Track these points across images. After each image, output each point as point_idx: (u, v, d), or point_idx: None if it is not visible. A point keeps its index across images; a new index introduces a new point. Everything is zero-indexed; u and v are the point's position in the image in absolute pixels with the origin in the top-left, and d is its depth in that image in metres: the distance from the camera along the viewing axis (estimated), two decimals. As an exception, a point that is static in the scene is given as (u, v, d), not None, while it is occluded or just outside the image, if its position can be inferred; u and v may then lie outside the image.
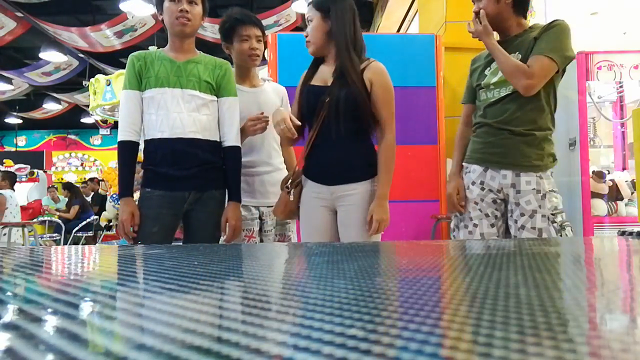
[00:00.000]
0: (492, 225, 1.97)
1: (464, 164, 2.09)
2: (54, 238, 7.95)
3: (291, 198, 1.92)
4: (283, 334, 0.33)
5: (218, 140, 2.03)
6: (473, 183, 2.01)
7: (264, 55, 2.27)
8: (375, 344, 0.29)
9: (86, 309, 0.47)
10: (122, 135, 1.97)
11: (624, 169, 4.57)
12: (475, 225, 1.99)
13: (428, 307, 0.42)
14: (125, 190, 1.99)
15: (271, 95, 2.27)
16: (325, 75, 1.89)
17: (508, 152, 1.92)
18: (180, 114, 1.93)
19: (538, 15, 3.63)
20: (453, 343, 0.31)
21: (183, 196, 1.97)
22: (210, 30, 7.47)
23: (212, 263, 0.81)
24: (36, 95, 12.95)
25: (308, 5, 1.91)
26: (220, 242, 2.05)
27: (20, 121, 15.10)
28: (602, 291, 0.54)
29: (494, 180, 1.96)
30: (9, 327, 0.38)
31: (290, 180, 1.96)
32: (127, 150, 1.98)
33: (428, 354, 0.28)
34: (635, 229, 1.12)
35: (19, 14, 7.91)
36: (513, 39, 1.97)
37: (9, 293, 0.56)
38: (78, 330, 0.38)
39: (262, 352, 0.29)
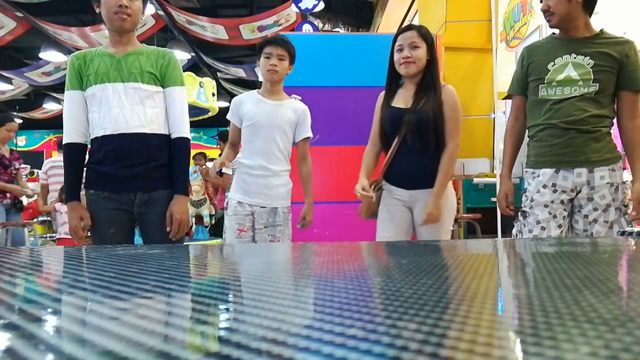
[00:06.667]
0: (560, 227, 1.95)
1: (528, 169, 2.05)
2: (54, 238, 7.93)
3: (373, 199, 2.15)
4: (283, 333, 0.33)
5: (168, 133, 1.96)
6: (544, 186, 1.97)
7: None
8: (376, 344, 0.29)
9: (94, 309, 0.47)
10: (67, 137, 1.92)
11: (624, 169, 4.56)
12: (543, 229, 1.95)
13: (428, 307, 0.42)
14: (71, 194, 1.92)
15: (287, 111, 2.39)
16: (406, 98, 2.14)
17: (579, 150, 1.92)
18: (122, 108, 1.86)
19: (538, 16, 3.62)
20: (454, 343, 0.31)
21: (129, 197, 1.90)
22: (210, 30, 7.44)
23: (206, 264, 0.81)
24: (36, 95, 12.96)
25: (408, 30, 2.13)
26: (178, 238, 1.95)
27: (20, 121, 15.08)
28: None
29: (566, 180, 1.94)
30: None
31: (373, 185, 2.18)
32: (71, 152, 1.92)
33: (428, 354, 0.28)
34: (635, 229, 1.12)
35: (19, 14, 7.91)
36: (583, 40, 1.94)
37: None
38: (79, 330, 0.38)
39: (262, 351, 0.29)
